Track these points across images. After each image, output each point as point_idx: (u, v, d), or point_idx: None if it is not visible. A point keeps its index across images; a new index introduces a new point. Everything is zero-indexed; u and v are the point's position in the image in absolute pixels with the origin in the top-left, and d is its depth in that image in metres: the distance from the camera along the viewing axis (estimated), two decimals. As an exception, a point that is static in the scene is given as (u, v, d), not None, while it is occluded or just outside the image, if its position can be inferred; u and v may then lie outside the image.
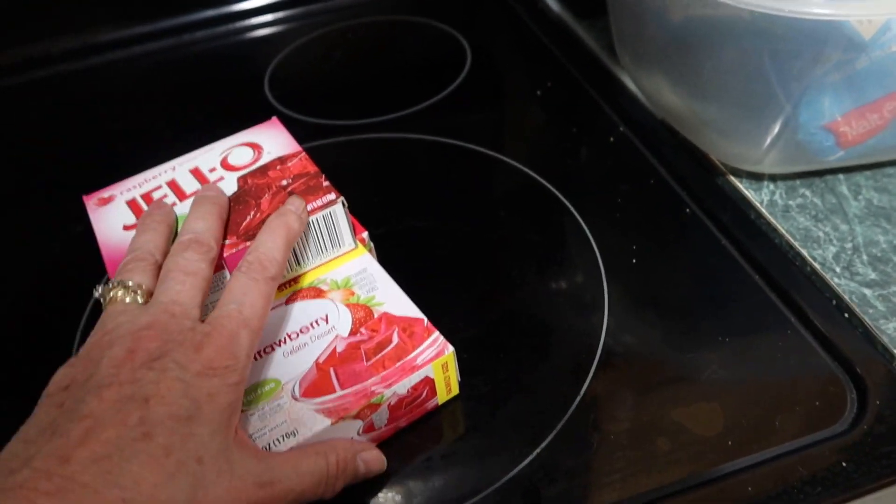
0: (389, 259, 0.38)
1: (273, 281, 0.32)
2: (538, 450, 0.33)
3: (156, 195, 0.38)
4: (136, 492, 0.24)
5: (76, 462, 0.24)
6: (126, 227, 0.37)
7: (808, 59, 0.38)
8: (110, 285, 0.31)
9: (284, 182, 0.37)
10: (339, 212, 0.36)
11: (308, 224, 0.36)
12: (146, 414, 0.25)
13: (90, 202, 0.39)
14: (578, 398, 0.35)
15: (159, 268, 0.32)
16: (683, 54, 0.43)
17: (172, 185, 0.39)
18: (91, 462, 0.24)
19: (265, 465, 0.28)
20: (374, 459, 0.32)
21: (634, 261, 0.41)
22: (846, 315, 0.38)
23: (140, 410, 0.25)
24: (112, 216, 0.38)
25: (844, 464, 0.32)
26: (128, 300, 0.30)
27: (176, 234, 0.35)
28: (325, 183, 0.37)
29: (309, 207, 0.36)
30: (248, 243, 0.34)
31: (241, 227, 0.35)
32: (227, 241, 0.35)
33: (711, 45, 0.40)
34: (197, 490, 0.25)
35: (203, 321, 0.30)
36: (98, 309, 0.31)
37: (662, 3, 0.41)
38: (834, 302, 0.38)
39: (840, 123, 0.40)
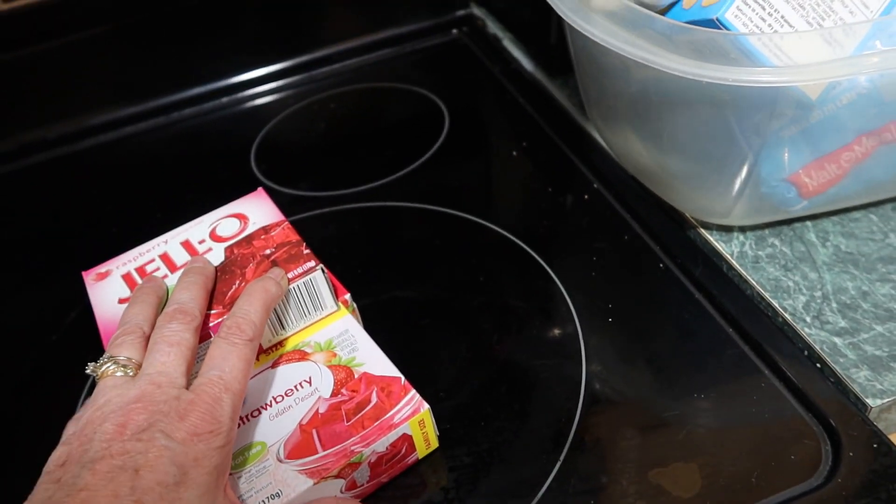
0: (373, 331, 0.39)
1: (251, 342, 0.33)
2: (520, 519, 0.34)
3: (149, 268, 0.40)
4: None
5: None
6: (121, 301, 0.39)
7: (763, 118, 0.39)
8: (101, 361, 0.33)
9: (268, 251, 0.39)
10: (318, 278, 0.38)
11: (290, 291, 0.37)
12: (136, 483, 0.27)
13: (88, 277, 0.41)
14: (559, 464, 0.36)
15: (148, 339, 0.34)
16: (645, 114, 0.44)
17: (164, 257, 0.41)
18: None
19: None
20: None
21: (610, 320, 0.42)
22: (818, 365, 0.39)
23: (131, 480, 0.27)
24: (108, 290, 0.40)
25: (820, 519, 0.32)
26: (118, 374, 0.32)
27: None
28: (306, 251, 0.39)
29: (290, 275, 0.37)
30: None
31: (227, 297, 0.37)
32: (213, 311, 0.36)
33: (670, 105, 0.41)
34: None
35: (189, 388, 0.31)
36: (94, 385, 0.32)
37: (621, 66, 0.42)
38: (806, 352, 0.39)
39: (800, 175, 0.42)
